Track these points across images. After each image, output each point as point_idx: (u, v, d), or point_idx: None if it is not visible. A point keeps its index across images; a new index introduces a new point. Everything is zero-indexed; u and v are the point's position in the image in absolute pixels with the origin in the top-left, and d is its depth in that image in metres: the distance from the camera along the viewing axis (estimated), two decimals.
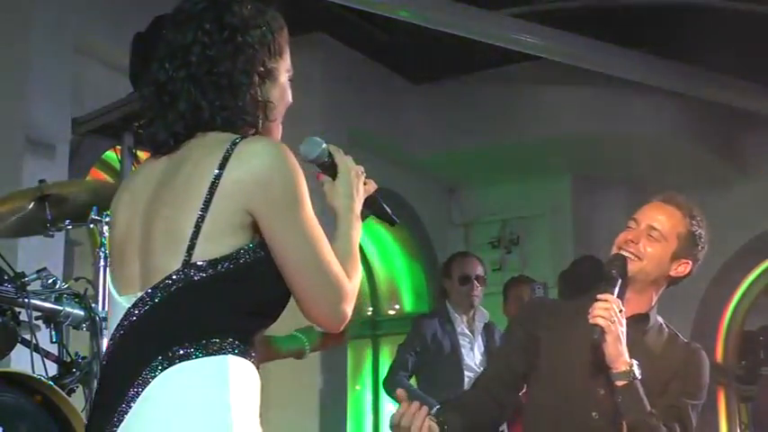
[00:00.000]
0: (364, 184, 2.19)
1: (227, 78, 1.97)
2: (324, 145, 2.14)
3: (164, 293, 1.89)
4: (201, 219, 1.90)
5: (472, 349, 5.38)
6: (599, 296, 2.74)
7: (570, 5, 6.88)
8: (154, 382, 1.84)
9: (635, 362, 2.73)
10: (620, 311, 2.72)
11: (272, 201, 1.91)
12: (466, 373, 5.30)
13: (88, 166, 6.01)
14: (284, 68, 2.08)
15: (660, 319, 2.97)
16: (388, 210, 2.28)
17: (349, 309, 1.99)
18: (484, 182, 8.63)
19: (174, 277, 1.89)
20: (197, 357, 1.85)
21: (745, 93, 7.61)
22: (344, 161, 2.16)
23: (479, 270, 5.62)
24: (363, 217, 2.16)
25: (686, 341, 2.99)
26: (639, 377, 2.72)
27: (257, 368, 1.95)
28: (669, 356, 2.90)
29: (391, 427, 2.61)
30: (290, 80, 2.10)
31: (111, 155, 5.92)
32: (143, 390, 1.84)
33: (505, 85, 7.95)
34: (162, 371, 1.84)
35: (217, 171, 1.91)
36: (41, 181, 3.82)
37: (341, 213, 2.11)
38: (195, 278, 1.88)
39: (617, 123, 7.88)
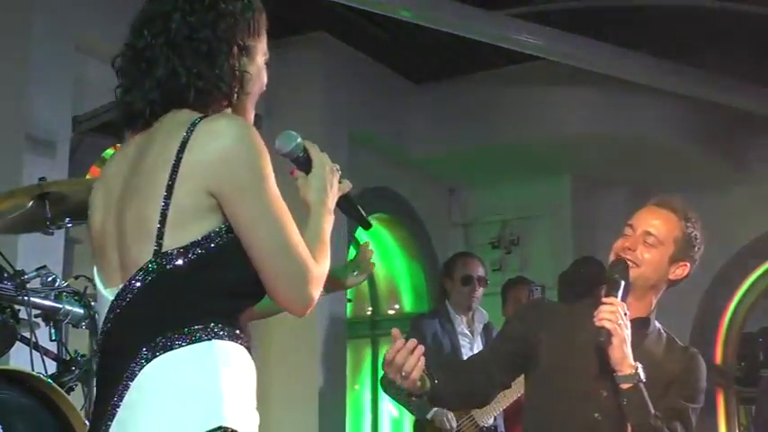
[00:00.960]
0: (339, 182, 2.15)
1: (207, 45, 1.96)
2: (299, 139, 2.11)
3: (141, 285, 1.89)
4: (166, 206, 1.89)
5: (471, 349, 5.38)
6: (604, 299, 2.75)
7: (571, 6, 6.87)
8: (141, 374, 1.84)
9: (639, 365, 2.73)
10: (626, 315, 2.73)
11: (232, 179, 1.88)
12: None
13: (88, 164, 6.01)
14: (261, 49, 2.07)
15: (658, 324, 2.98)
16: (362, 211, 2.24)
17: (315, 292, 1.95)
18: (484, 182, 8.62)
19: (147, 268, 1.89)
20: (180, 346, 1.84)
21: (746, 93, 7.61)
22: (319, 156, 2.12)
23: (481, 271, 5.63)
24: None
25: (684, 345, 3.02)
26: (644, 380, 2.73)
27: (249, 350, 1.94)
28: (669, 361, 2.92)
29: (383, 364, 2.60)
30: (266, 64, 2.09)
31: (111, 153, 5.92)
32: (131, 382, 1.84)
33: (506, 85, 7.95)
34: (148, 362, 1.84)
35: (176, 155, 1.90)
36: (42, 179, 3.81)
37: (313, 207, 2.07)
38: (168, 267, 1.88)
39: (617, 124, 7.87)
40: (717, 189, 8.42)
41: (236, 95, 2.00)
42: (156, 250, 1.88)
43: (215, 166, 1.88)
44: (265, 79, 2.08)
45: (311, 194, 2.08)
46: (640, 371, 2.73)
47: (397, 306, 8.59)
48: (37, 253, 4.58)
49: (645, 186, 7.13)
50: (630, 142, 7.99)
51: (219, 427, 1.80)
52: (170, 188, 1.89)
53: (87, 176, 5.90)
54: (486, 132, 8.02)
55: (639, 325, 2.90)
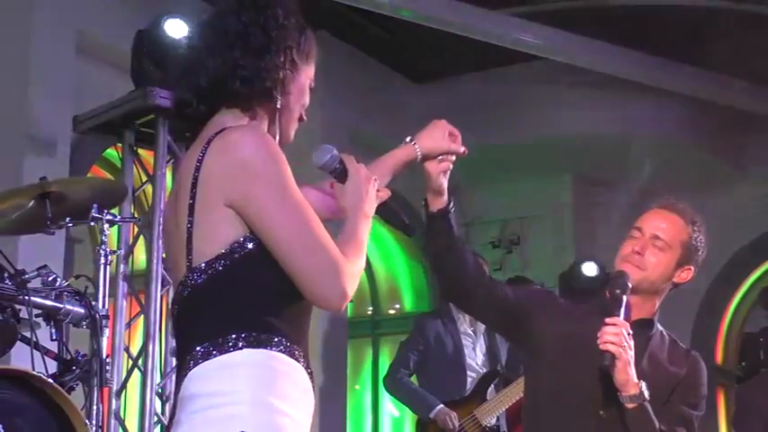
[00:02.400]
0: (377, 190, 2.17)
1: (256, 41, 2.03)
2: (334, 151, 2.13)
3: (180, 298, 1.98)
4: (191, 222, 1.95)
5: (474, 349, 5.36)
6: (608, 320, 2.71)
7: (571, 5, 6.88)
8: (184, 383, 1.92)
9: (643, 383, 2.72)
10: (629, 334, 2.71)
11: (249, 186, 1.91)
12: (468, 373, 5.29)
13: (89, 163, 6.01)
14: (307, 72, 2.13)
15: (660, 326, 2.99)
16: (404, 218, 2.25)
17: (349, 286, 1.94)
18: (484, 182, 8.62)
19: (184, 282, 1.97)
20: (214, 357, 1.89)
21: (746, 93, 7.61)
22: (355, 166, 2.15)
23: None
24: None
25: (686, 348, 3.02)
26: (648, 398, 2.72)
27: (298, 354, 1.95)
28: (673, 364, 2.93)
29: None
30: (309, 88, 2.14)
31: (111, 152, 5.93)
32: (179, 391, 1.94)
33: (506, 84, 7.95)
34: (189, 371, 1.92)
35: (195, 171, 1.95)
36: (42, 178, 3.82)
37: (349, 211, 2.09)
38: (198, 281, 1.94)
39: (617, 123, 7.88)
40: (717, 189, 8.42)
41: (277, 91, 2.04)
42: (187, 265, 1.96)
43: (228, 179, 1.92)
44: (307, 101, 2.13)
45: (346, 200, 2.11)
46: (644, 389, 2.72)
47: (397, 306, 8.59)
48: (38, 253, 4.58)
49: (645, 186, 7.14)
50: (631, 142, 7.99)
51: None
52: (191, 207, 1.95)
53: (88, 175, 5.91)
54: (486, 132, 8.00)
55: (643, 326, 2.90)
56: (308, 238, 1.92)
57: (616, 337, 2.67)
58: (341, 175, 2.13)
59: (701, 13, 6.70)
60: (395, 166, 2.46)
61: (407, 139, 2.50)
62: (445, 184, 2.62)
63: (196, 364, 1.90)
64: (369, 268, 8.47)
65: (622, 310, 2.73)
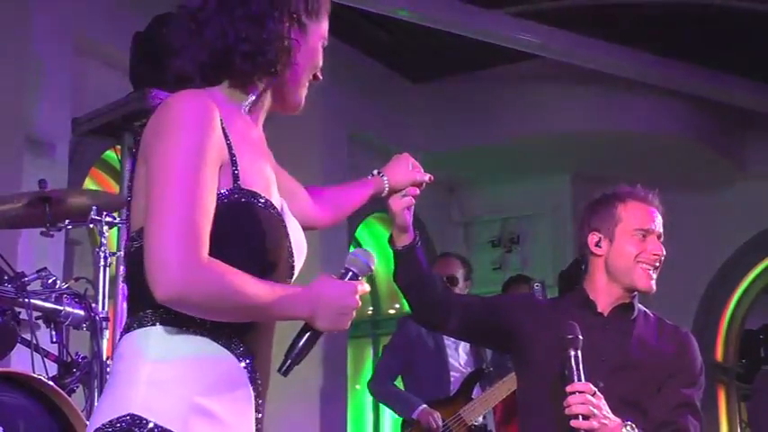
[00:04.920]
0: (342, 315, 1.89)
1: (258, 7, 1.91)
2: (366, 265, 1.94)
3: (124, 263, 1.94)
4: (129, 188, 1.89)
5: (457, 350, 5.34)
6: (569, 388, 2.66)
7: (571, 4, 6.88)
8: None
9: (629, 423, 2.70)
10: (594, 394, 2.66)
11: (155, 143, 1.79)
12: (452, 373, 5.28)
13: (88, 165, 6.01)
14: (318, 31, 2.03)
15: (641, 306, 3.00)
16: (300, 354, 1.92)
17: (178, 281, 1.69)
18: (484, 181, 8.63)
19: (124, 250, 1.95)
20: (133, 329, 1.81)
21: (746, 92, 7.61)
22: (353, 291, 1.88)
23: (452, 270, 5.46)
24: (296, 345, 1.89)
25: (673, 325, 3.00)
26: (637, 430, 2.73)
27: (233, 344, 1.81)
28: (664, 343, 2.92)
29: None
30: (322, 47, 2.04)
31: (111, 154, 5.92)
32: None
33: (506, 84, 7.95)
34: (120, 336, 1.86)
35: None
36: (41, 181, 3.82)
37: (305, 304, 1.84)
38: (131, 250, 1.85)
39: (617, 123, 7.88)
40: (717, 186, 8.44)
41: (281, 64, 1.93)
42: (128, 234, 1.89)
43: (147, 138, 1.83)
44: (320, 62, 2.03)
45: (316, 301, 1.85)
46: (630, 428, 2.70)
47: (397, 305, 8.59)
48: (37, 255, 4.59)
49: (645, 186, 7.13)
50: (631, 142, 7.99)
51: (128, 414, 1.74)
52: (130, 175, 1.90)
53: (87, 180, 5.92)
54: (486, 131, 8.02)
55: (625, 310, 2.93)
56: (168, 207, 1.72)
57: (583, 407, 2.64)
58: (353, 278, 1.94)
59: (699, 11, 6.70)
60: (364, 195, 2.42)
61: (375, 171, 2.48)
62: (410, 219, 2.64)
63: (122, 335, 1.83)
64: None
65: (581, 371, 2.67)
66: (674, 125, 8.02)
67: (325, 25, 2.04)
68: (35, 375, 3.31)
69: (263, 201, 1.86)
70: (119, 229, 5.02)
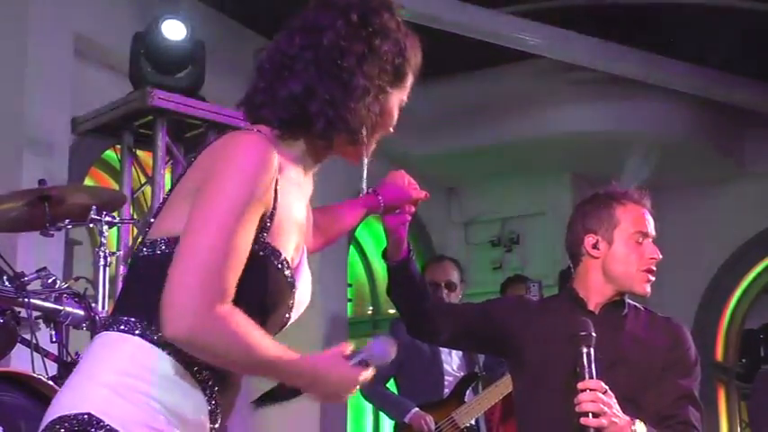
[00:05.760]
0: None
1: (349, 75, 1.88)
2: (380, 359, 1.99)
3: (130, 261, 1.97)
4: (164, 200, 1.90)
5: (450, 354, 5.32)
6: (580, 385, 2.64)
7: (571, 4, 6.88)
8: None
9: (637, 422, 2.71)
10: (605, 392, 2.65)
11: (208, 180, 1.78)
12: (446, 377, 5.28)
13: (88, 165, 6.01)
14: (399, 97, 2.00)
15: (630, 301, 3.00)
16: (276, 402, 2.02)
17: (190, 329, 1.70)
18: (484, 181, 8.62)
19: (137, 249, 1.92)
20: (112, 330, 1.82)
21: (745, 91, 7.61)
22: (356, 380, 1.93)
23: (449, 276, 5.43)
24: (279, 394, 1.95)
25: (665, 317, 2.99)
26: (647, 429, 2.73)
27: (199, 375, 1.81)
28: (656, 337, 2.91)
29: None
30: (399, 110, 1.99)
31: (110, 154, 5.93)
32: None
33: (506, 83, 7.94)
34: (98, 333, 1.89)
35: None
36: (41, 180, 3.82)
37: (310, 370, 1.86)
38: (156, 253, 1.84)
39: (616, 122, 7.88)
40: (717, 186, 8.44)
41: (359, 138, 1.92)
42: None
43: (202, 168, 1.83)
44: (392, 126, 2.00)
45: (319, 378, 1.87)
46: (638, 426, 2.70)
47: None
48: (37, 255, 4.58)
49: (645, 185, 7.12)
50: (631, 141, 7.99)
51: (87, 413, 1.74)
52: (171, 188, 1.92)
53: (88, 182, 5.92)
54: (486, 131, 8.02)
55: (616, 307, 2.93)
56: (200, 253, 1.72)
57: (594, 405, 2.63)
58: (362, 364, 1.98)
59: (699, 11, 6.70)
60: (359, 214, 2.42)
61: (369, 189, 2.43)
62: (405, 236, 2.63)
63: (99, 331, 1.86)
64: (369, 268, 8.47)
65: (592, 366, 2.66)
66: (674, 125, 8.02)
67: (407, 88, 2.01)
68: (35, 375, 3.32)
69: (281, 260, 1.86)
70: (119, 229, 5.03)
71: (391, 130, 2.02)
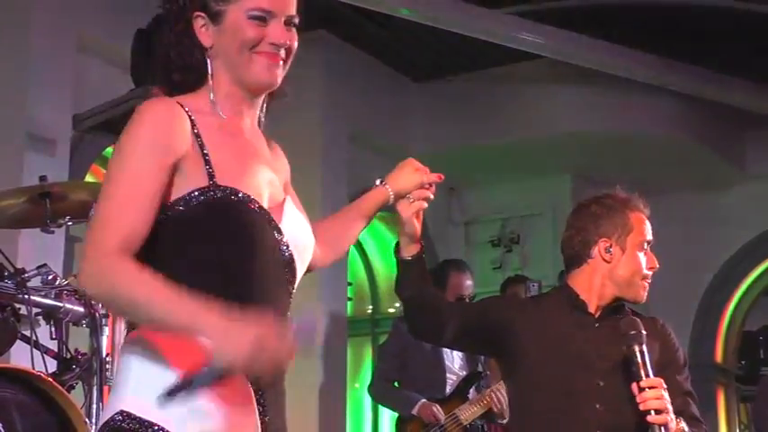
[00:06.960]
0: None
1: (176, 23, 1.99)
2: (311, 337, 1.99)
3: None
4: None
5: (452, 353, 5.34)
6: (643, 384, 2.67)
7: (571, 4, 6.88)
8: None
9: (681, 419, 2.73)
10: (666, 389, 2.69)
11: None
12: (448, 375, 5.28)
13: (89, 162, 6.01)
14: (237, 8, 1.96)
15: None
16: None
17: (86, 269, 1.78)
18: (484, 181, 8.63)
19: None
20: (134, 329, 1.90)
21: (746, 92, 7.62)
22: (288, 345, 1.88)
23: (471, 287, 5.51)
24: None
25: (651, 318, 2.99)
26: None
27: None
28: (649, 341, 2.92)
29: None
30: (254, 17, 1.96)
31: (111, 151, 5.92)
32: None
33: (506, 84, 7.95)
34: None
35: None
36: (42, 177, 3.82)
37: (213, 326, 1.76)
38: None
39: (617, 123, 7.88)
40: (717, 187, 8.44)
41: (206, 68, 1.98)
42: None
43: None
44: (249, 34, 1.95)
45: (228, 333, 1.76)
46: (683, 423, 2.74)
47: (397, 304, 8.57)
48: (37, 251, 4.58)
49: (645, 186, 7.12)
50: (631, 142, 8.00)
51: (120, 412, 1.80)
52: None
53: (87, 176, 5.91)
54: (486, 131, 8.02)
55: (616, 311, 2.94)
56: (99, 211, 1.85)
57: (659, 401, 2.65)
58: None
59: (699, 12, 6.70)
60: (368, 211, 2.38)
61: (378, 181, 2.42)
62: (419, 228, 2.54)
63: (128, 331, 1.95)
64: (369, 268, 8.48)
65: (648, 365, 2.69)
66: (673, 126, 8.02)
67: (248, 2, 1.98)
68: (35, 371, 3.31)
69: (240, 196, 1.87)
70: None
71: (257, 38, 1.97)
